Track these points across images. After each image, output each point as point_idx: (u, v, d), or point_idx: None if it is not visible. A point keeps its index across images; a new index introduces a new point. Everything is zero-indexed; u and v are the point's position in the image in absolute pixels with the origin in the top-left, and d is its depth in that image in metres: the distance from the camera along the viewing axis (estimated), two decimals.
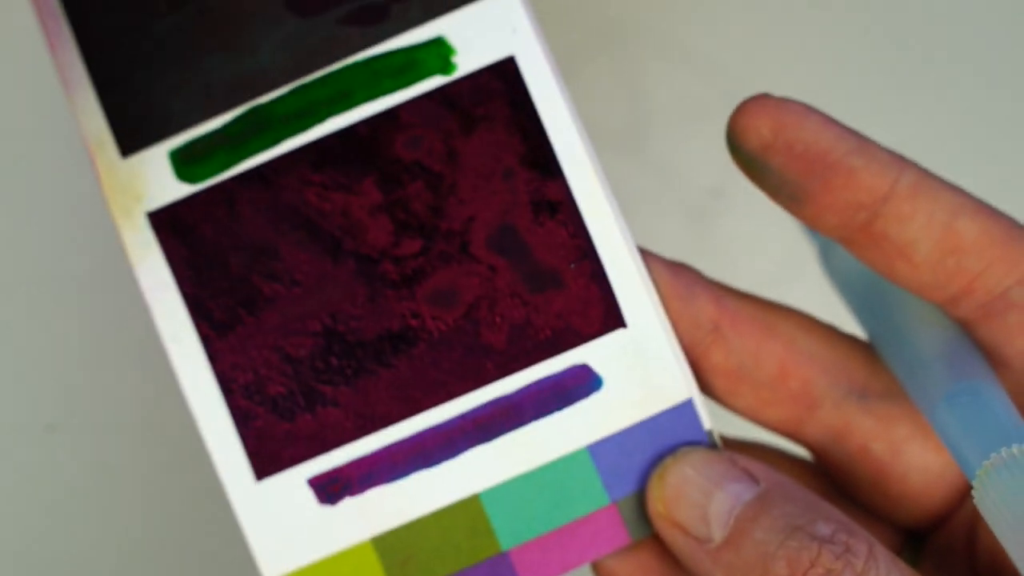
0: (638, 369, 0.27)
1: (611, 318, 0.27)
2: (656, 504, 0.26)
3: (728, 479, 0.25)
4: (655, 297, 0.27)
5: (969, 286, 0.25)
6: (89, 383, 0.43)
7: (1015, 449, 0.23)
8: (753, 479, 0.25)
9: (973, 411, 0.24)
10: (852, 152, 0.25)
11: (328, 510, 0.27)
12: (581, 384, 0.27)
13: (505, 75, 0.27)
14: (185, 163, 0.28)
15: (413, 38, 0.28)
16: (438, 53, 0.28)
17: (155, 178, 0.28)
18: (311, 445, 0.27)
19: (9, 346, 0.43)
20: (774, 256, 0.44)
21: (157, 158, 0.28)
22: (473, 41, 0.27)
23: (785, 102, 0.25)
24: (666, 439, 0.27)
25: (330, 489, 0.27)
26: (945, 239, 0.25)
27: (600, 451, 0.27)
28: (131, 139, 0.28)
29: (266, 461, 0.27)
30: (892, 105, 0.45)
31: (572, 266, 0.27)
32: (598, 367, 0.27)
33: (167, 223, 0.27)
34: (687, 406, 0.27)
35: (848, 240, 0.26)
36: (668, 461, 0.26)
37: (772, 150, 0.25)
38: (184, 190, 0.28)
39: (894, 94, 0.45)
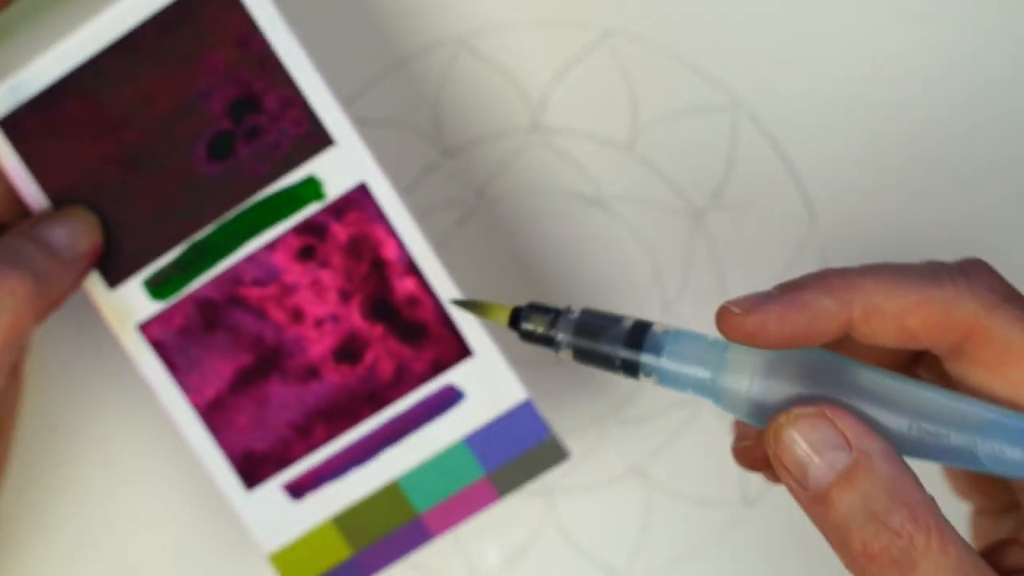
0: (486, 383, 0.39)
1: (462, 351, 0.39)
2: (768, 448, 0.31)
3: (826, 447, 0.30)
4: (488, 333, 0.39)
5: (932, 348, 0.31)
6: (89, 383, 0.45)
7: None
8: (848, 446, 0.30)
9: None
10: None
11: (298, 503, 0.41)
12: (450, 398, 0.40)
13: (362, 197, 0.39)
14: (154, 287, 0.40)
15: (293, 179, 0.39)
16: (312, 186, 0.39)
17: (136, 301, 0.40)
18: (278, 463, 0.40)
19: None
20: (774, 255, 0.44)
21: (135, 287, 0.40)
22: (335, 175, 0.39)
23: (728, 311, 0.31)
24: (515, 428, 0.40)
25: (297, 490, 0.41)
26: (902, 336, 0.31)
27: (472, 441, 0.40)
28: (114, 276, 0.40)
29: (251, 478, 0.41)
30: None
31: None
32: (460, 385, 0.40)
33: (152, 331, 0.40)
34: (527, 404, 0.39)
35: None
36: (781, 419, 0.30)
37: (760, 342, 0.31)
38: (158, 306, 0.40)
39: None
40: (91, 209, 0.39)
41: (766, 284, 0.32)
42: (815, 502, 0.30)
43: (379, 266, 0.39)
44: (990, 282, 0.31)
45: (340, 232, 0.39)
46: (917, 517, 0.29)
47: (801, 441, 0.30)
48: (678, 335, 0.32)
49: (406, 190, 0.44)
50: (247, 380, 0.40)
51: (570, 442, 0.43)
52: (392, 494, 0.40)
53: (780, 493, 0.42)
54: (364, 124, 0.43)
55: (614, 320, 0.33)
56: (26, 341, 0.36)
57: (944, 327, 0.31)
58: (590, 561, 0.45)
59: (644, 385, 0.41)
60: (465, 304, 0.36)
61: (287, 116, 0.39)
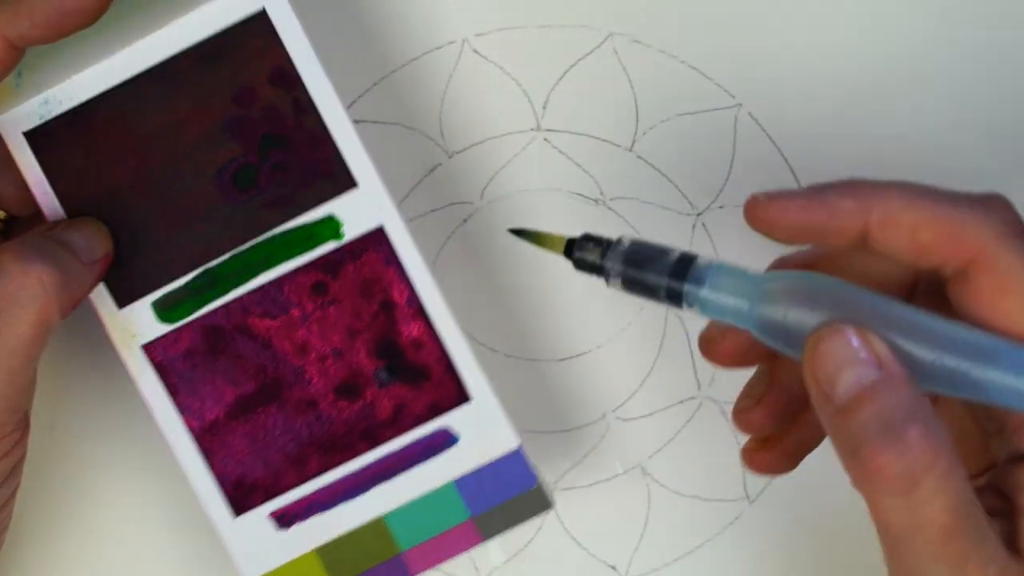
0: (482, 429, 0.41)
1: (460, 396, 0.41)
2: (804, 358, 0.32)
3: (857, 362, 0.31)
4: (488, 380, 0.41)
5: (939, 268, 0.32)
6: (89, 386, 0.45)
7: None
8: (877, 364, 0.31)
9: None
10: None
11: (284, 532, 0.41)
12: (444, 440, 0.41)
13: (378, 239, 0.40)
14: (163, 310, 0.41)
15: (312, 216, 0.40)
16: (331, 226, 0.40)
17: (143, 322, 0.41)
18: (268, 492, 0.41)
19: None
20: (775, 254, 0.43)
21: (143, 308, 0.41)
22: (354, 216, 0.40)
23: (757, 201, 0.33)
24: (505, 475, 0.41)
25: (284, 519, 0.41)
26: (913, 248, 0.32)
27: (462, 484, 0.41)
28: (123, 296, 0.41)
29: (240, 505, 0.41)
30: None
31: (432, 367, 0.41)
32: (455, 429, 0.41)
33: (155, 352, 0.41)
34: (518, 452, 0.41)
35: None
36: (822, 331, 0.32)
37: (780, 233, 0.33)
38: (164, 328, 0.41)
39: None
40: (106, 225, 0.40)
41: None
42: (839, 414, 0.31)
43: (388, 308, 0.41)
44: (1006, 216, 0.32)
45: (353, 272, 0.40)
46: (929, 438, 0.30)
47: (836, 353, 0.31)
48: (720, 268, 0.34)
49: (410, 190, 0.44)
50: (246, 408, 0.41)
51: (572, 440, 0.44)
52: (378, 530, 0.41)
53: (781, 491, 0.44)
54: (369, 124, 0.44)
55: (662, 252, 0.35)
56: (51, 334, 0.36)
57: (954, 246, 0.32)
58: (592, 558, 0.46)
59: (645, 384, 0.44)
60: (522, 233, 0.38)
61: (313, 155, 0.40)
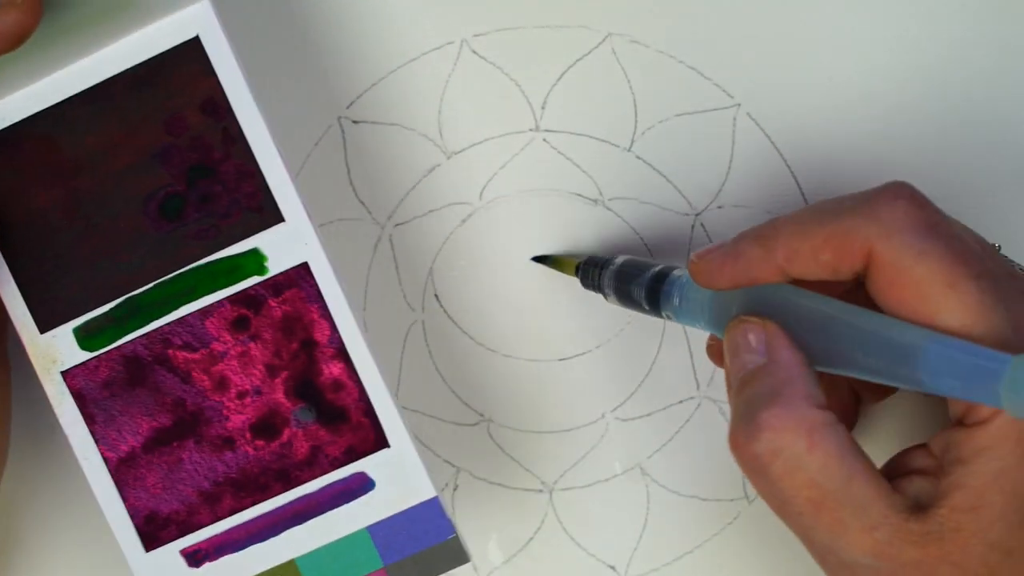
0: (399, 475, 0.40)
1: (380, 442, 0.40)
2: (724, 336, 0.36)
3: (747, 350, 0.35)
4: (407, 428, 0.39)
5: (855, 277, 0.34)
6: None
7: None
8: (762, 353, 0.34)
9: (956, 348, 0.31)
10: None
11: (194, 571, 0.40)
12: (361, 486, 0.40)
13: (303, 276, 0.39)
14: (84, 337, 0.40)
15: (237, 249, 0.40)
16: (255, 259, 0.40)
17: (64, 348, 0.40)
18: (181, 529, 0.40)
19: None
20: None
21: (65, 334, 0.40)
22: (279, 251, 0.39)
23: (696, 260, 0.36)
24: (420, 523, 0.40)
25: (195, 557, 0.40)
26: (822, 269, 0.34)
27: (375, 531, 0.40)
28: (46, 321, 0.40)
29: (151, 539, 0.40)
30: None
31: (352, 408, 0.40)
32: (372, 474, 0.40)
33: (75, 379, 0.40)
34: (434, 502, 0.40)
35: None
36: (731, 322, 0.36)
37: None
38: (84, 356, 0.40)
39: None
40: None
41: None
42: (730, 395, 0.35)
43: (309, 347, 0.40)
44: (897, 209, 0.33)
45: (276, 308, 0.40)
46: (784, 419, 0.33)
47: (734, 341, 0.35)
48: (687, 282, 0.38)
49: (409, 191, 0.44)
50: (162, 441, 0.40)
51: (571, 440, 0.44)
52: (289, 573, 0.40)
53: None
54: (367, 125, 0.44)
55: (645, 268, 0.40)
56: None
57: (849, 256, 0.33)
58: (591, 558, 0.45)
59: (643, 384, 0.44)
60: (543, 259, 0.43)
61: (241, 188, 0.39)
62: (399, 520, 0.40)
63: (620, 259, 0.41)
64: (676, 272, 0.39)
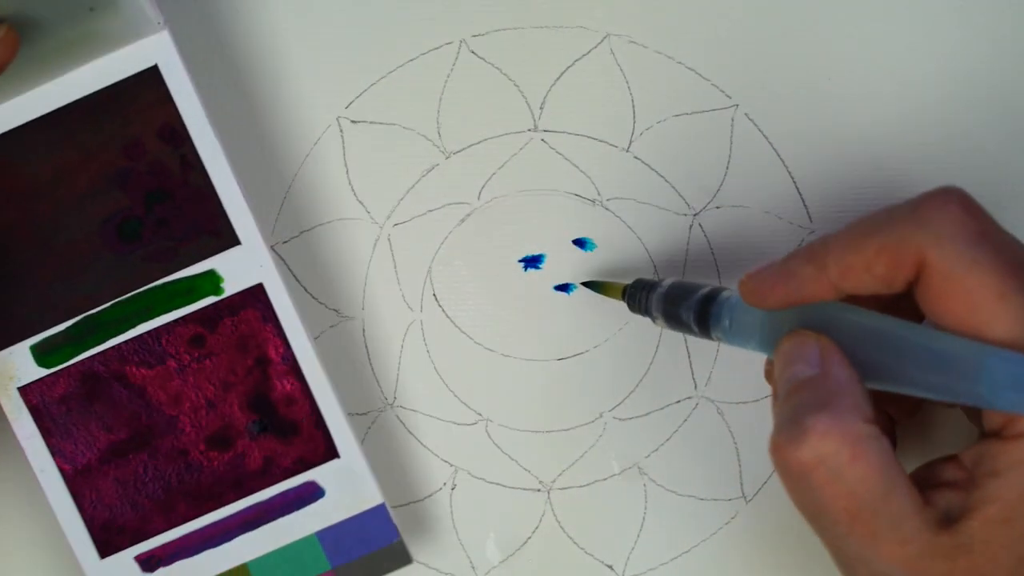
0: (347, 484, 0.42)
1: (330, 452, 0.42)
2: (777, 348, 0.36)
3: (800, 360, 0.34)
4: (357, 440, 0.42)
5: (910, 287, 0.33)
6: None
7: None
8: (815, 365, 0.34)
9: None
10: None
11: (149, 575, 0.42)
12: (311, 494, 0.42)
13: (257, 296, 0.42)
14: (41, 354, 0.42)
15: (194, 270, 0.41)
16: (211, 280, 0.42)
17: (21, 364, 0.41)
18: (135, 535, 0.42)
19: None
20: (772, 254, 0.42)
21: (22, 351, 0.41)
22: (235, 273, 0.41)
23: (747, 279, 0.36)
24: (367, 528, 0.42)
25: (149, 563, 0.42)
26: (877, 282, 0.33)
27: (324, 536, 0.42)
28: (3, 338, 0.41)
29: (106, 546, 0.42)
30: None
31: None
32: (322, 483, 0.42)
33: (31, 395, 0.41)
34: (380, 508, 0.42)
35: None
36: (786, 335, 0.35)
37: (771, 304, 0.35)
38: (42, 372, 0.42)
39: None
40: None
41: None
42: (775, 402, 0.35)
43: (263, 363, 0.42)
44: (946, 216, 0.33)
45: (231, 327, 0.42)
46: (831, 429, 0.33)
47: (788, 352, 0.35)
48: (736, 304, 0.38)
49: (408, 190, 0.45)
50: (119, 453, 0.42)
51: (569, 440, 0.44)
52: None
53: (777, 490, 0.45)
54: (366, 125, 0.44)
55: (692, 291, 0.39)
56: None
57: (903, 266, 0.33)
58: (589, 557, 0.46)
59: (642, 384, 0.45)
60: (592, 284, 0.43)
61: (198, 212, 0.41)
62: (347, 526, 0.42)
63: (668, 281, 0.41)
64: (725, 293, 0.38)
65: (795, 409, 0.33)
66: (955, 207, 0.33)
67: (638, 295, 0.41)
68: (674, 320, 0.40)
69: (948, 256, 0.32)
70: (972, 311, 0.32)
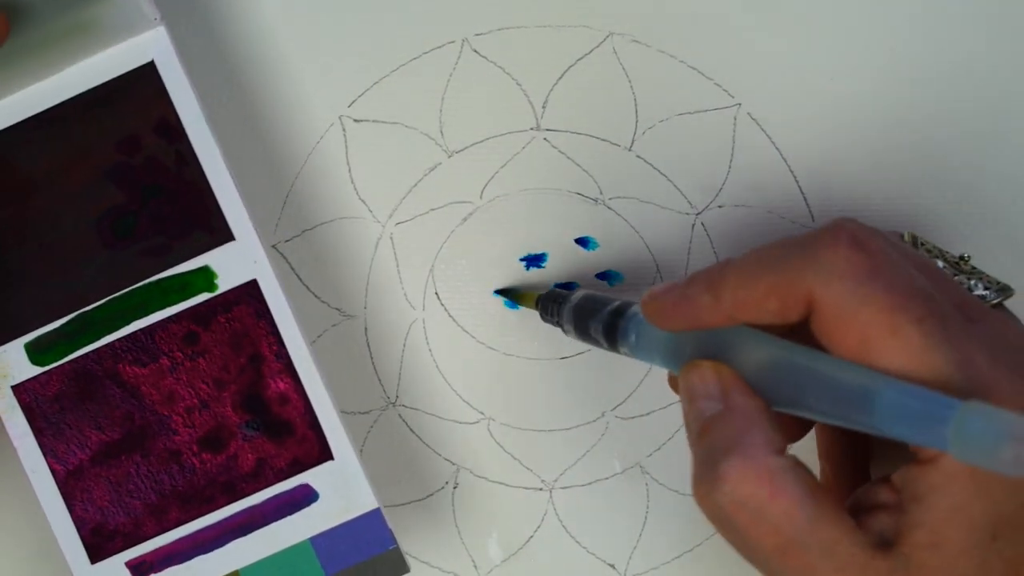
0: (342, 488, 0.41)
1: (324, 454, 0.41)
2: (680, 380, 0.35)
3: (703, 397, 0.34)
4: (351, 442, 0.41)
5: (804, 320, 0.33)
6: None
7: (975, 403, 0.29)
8: (719, 399, 0.34)
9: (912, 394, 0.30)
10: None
11: None
12: (305, 497, 0.41)
13: (251, 293, 0.41)
14: (35, 352, 0.41)
15: (188, 266, 0.41)
16: (206, 277, 0.41)
17: (15, 363, 0.41)
18: (127, 540, 0.41)
19: None
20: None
21: (16, 349, 0.41)
22: (229, 269, 0.41)
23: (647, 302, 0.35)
24: (361, 534, 0.41)
25: (140, 569, 0.41)
26: (770, 315, 0.33)
27: (318, 542, 0.41)
28: None
29: (97, 551, 0.41)
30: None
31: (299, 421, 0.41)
32: (316, 486, 0.41)
33: (24, 393, 0.41)
34: (376, 513, 0.41)
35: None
36: (686, 366, 0.35)
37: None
38: (35, 370, 0.41)
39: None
40: None
41: None
42: (690, 443, 0.34)
43: (256, 361, 0.41)
44: (835, 255, 0.32)
45: (225, 324, 0.41)
46: (745, 470, 0.32)
47: (690, 386, 0.34)
48: (640, 321, 0.37)
49: (410, 189, 0.44)
50: (111, 454, 0.41)
51: (572, 439, 0.44)
52: None
53: None
54: (369, 123, 0.44)
55: (602, 304, 0.39)
56: None
57: (794, 302, 0.33)
58: (591, 557, 0.45)
59: (644, 383, 0.44)
60: (506, 292, 0.43)
61: (193, 207, 0.41)
62: (341, 531, 0.41)
63: (579, 294, 0.40)
64: (634, 308, 0.38)
65: (707, 452, 0.33)
66: (844, 245, 0.33)
67: (550, 306, 0.41)
68: (584, 333, 0.40)
69: (837, 295, 0.32)
70: (865, 347, 0.32)
